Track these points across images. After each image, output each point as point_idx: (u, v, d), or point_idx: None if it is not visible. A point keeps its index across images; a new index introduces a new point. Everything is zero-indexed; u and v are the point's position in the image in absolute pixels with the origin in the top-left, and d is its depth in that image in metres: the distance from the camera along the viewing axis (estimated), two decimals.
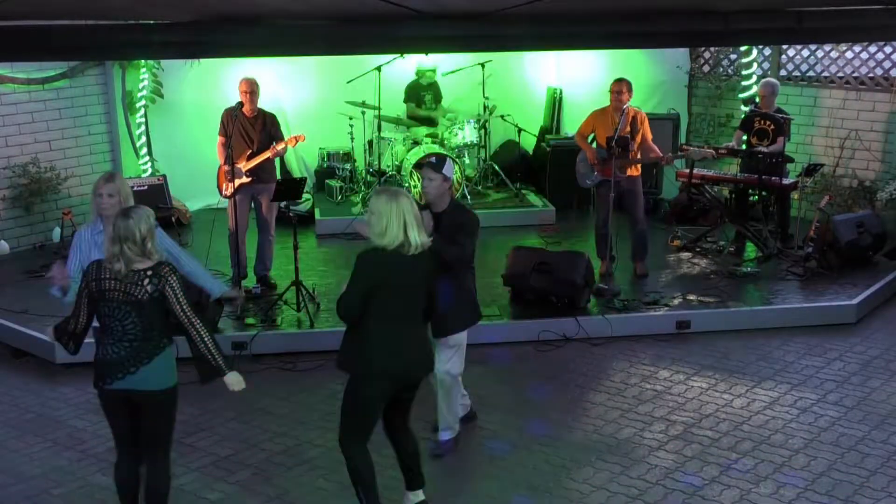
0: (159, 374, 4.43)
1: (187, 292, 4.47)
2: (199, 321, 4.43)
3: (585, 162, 8.28)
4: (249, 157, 7.77)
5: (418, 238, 4.50)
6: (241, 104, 7.78)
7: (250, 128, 7.80)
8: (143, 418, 4.54)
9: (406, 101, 10.97)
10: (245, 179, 7.76)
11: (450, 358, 5.43)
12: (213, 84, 10.27)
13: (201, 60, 9.86)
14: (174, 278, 4.39)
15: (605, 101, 8.34)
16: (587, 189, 8.87)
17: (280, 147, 7.88)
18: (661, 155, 8.25)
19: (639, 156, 8.06)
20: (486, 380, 6.66)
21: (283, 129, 8.16)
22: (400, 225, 4.44)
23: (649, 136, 8.15)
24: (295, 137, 8.27)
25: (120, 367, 4.40)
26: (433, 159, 5.55)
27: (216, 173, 8.04)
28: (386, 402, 4.67)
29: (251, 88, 7.77)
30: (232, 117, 7.73)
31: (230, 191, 7.68)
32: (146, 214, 4.42)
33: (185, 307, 4.39)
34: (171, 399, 4.53)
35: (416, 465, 4.95)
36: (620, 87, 8.02)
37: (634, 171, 8.13)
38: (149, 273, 4.35)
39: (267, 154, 7.80)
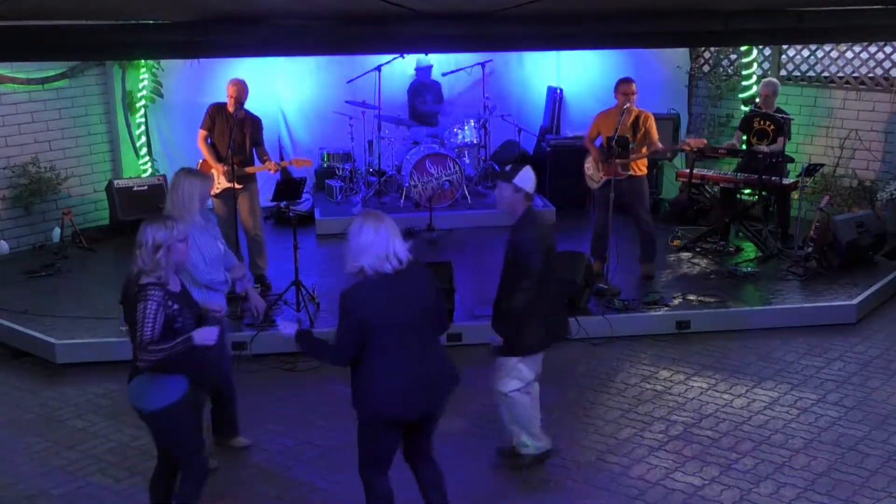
0: (143, 393, 4.33)
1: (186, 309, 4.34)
2: (145, 357, 4.17)
3: (591, 163, 8.29)
4: (242, 164, 7.75)
5: (399, 250, 4.21)
6: (224, 104, 7.80)
7: (235, 129, 7.72)
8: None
9: (406, 101, 10.97)
10: (237, 186, 7.73)
11: (501, 377, 5.29)
12: (212, 84, 10.24)
13: (201, 60, 9.87)
14: (143, 305, 4.16)
15: (606, 101, 8.34)
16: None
17: (282, 164, 8.13)
18: (661, 147, 8.21)
19: (643, 150, 8.03)
20: (485, 380, 6.65)
21: (282, 129, 8.16)
22: (379, 240, 4.16)
23: (655, 136, 8.12)
24: (301, 162, 8.37)
25: (130, 375, 4.39)
26: (508, 168, 5.23)
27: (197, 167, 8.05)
28: (399, 436, 4.41)
29: (237, 91, 7.72)
30: (217, 113, 7.76)
31: (220, 188, 7.71)
32: (169, 226, 4.29)
33: (140, 336, 4.16)
34: (159, 421, 4.37)
35: (437, 499, 4.60)
36: (626, 88, 8.01)
37: (638, 170, 8.12)
38: (136, 290, 4.24)
39: (264, 168, 7.84)
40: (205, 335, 4.34)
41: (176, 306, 4.28)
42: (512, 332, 5.12)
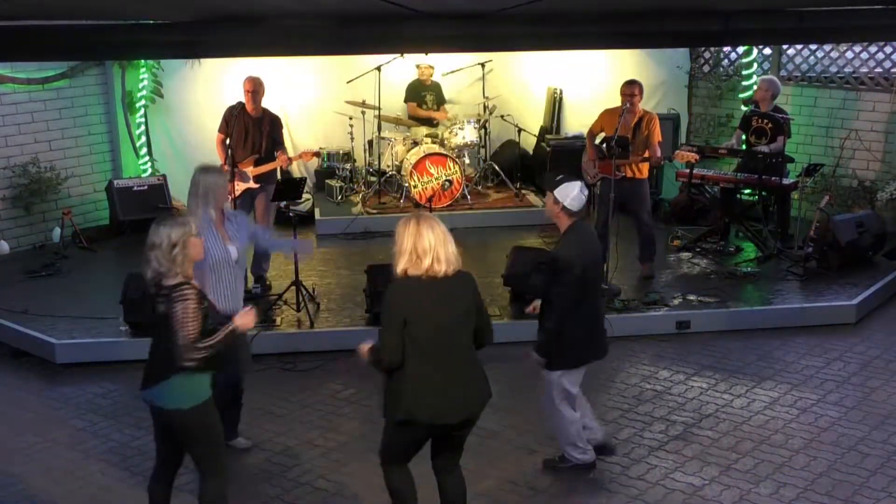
0: (174, 394, 4.25)
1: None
2: (193, 357, 4.14)
3: (587, 159, 8.30)
4: (257, 163, 7.77)
5: (448, 257, 4.20)
6: (241, 103, 7.78)
7: (254, 129, 7.78)
8: (174, 434, 4.40)
9: (406, 100, 10.97)
10: (253, 185, 7.76)
11: (546, 390, 5.27)
12: (212, 84, 10.28)
13: (202, 60, 9.87)
14: (181, 305, 4.13)
15: (606, 101, 8.34)
16: (592, 188, 8.86)
17: (293, 157, 8.09)
18: (658, 156, 8.18)
19: (646, 154, 8.02)
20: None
21: (283, 130, 8.18)
22: (423, 245, 4.15)
23: (657, 140, 8.11)
24: (312, 153, 8.38)
25: (148, 377, 4.33)
26: (559, 177, 5.10)
27: None
28: (425, 443, 4.42)
29: (254, 87, 7.76)
30: (234, 115, 7.73)
31: (235, 193, 7.71)
32: (183, 223, 4.25)
33: (182, 339, 4.12)
34: (190, 420, 4.30)
35: None
36: (632, 90, 8.00)
37: (639, 173, 8.11)
38: (164, 292, 4.18)
39: (277, 164, 7.84)
40: (246, 320, 4.37)
41: (206, 303, 4.29)
42: (550, 348, 5.10)
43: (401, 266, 4.19)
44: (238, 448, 5.69)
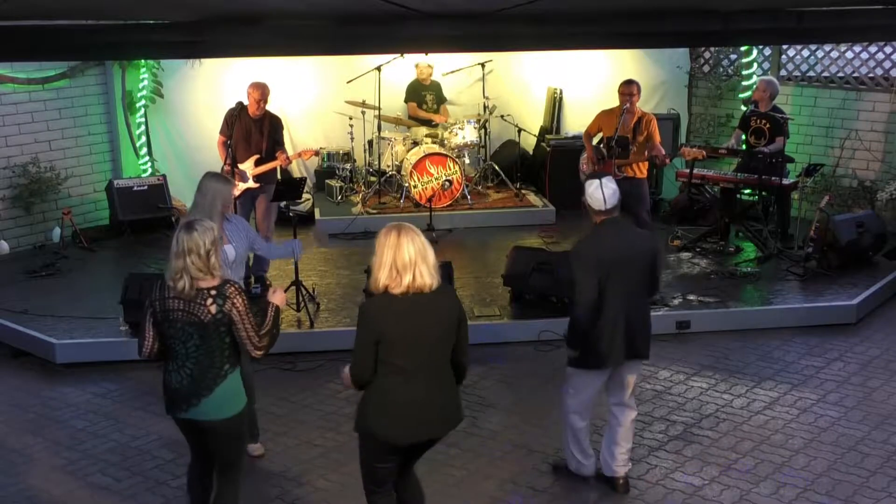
0: (222, 404, 4.19)
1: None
2: (263, 345, 4.17)
3: (586, 160, 8.29)
4: (257, 163, 7.78)
5: (430, 270, 4.04)
6: (240, 104, 7.78)
7: (254, 130, 7.78)
8: (209, 444, 4.34)
9: (406, 100, 10.97)
10: (253, 185, 7.77)
11: (565, 386, 5.23)
12: (212, 84, 10.28)
13: (202, 60, 9.87)
14: (240, 299, 4.12)
15: (606, 101, 8.33)
16: None
17: (293, 156, 8.06)
18: (661, 153, 8.19)
19: (645, 153, 8.02)
20: (486, 380, 6.67)
21: (283, 130, 8.18)
22: (403, 259, 3.99)
23: (657, 139, 8.12)
24: (312, 152, 8.38)
25: (185, 399, 4.19)
26: (587, 175, 5.08)
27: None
28: (397, 459, 4.23)
29: (262, 95, 7.73)
30: (234, 117, 7.74)
31: (236, 193, 7.70)
32: (210, 227, 4.19)
33: (250, 332, 4.15)
34: (236, 426, 4.28)
35: None
36: (630, 90, 8.00)
37: (639, 173, 8.11)
38: (212, 293, 4.10)
39: (276, 163, 7.84)
40: (280, 298, 4.39)
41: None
42: (574, 340, 5.03)
43: (381, 281, 4.00)
44: (253, 456, 5.61)
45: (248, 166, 7.78)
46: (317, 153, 9.10)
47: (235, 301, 4.12)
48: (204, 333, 4.13)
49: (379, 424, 4.07)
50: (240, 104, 7.81)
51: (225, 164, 7.70)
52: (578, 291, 4.91)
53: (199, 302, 4.10)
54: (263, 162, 7.84)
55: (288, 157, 8.04)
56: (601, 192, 4.96)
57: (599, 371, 5.10)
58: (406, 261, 3.99)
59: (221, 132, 7.86)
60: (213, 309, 4.09)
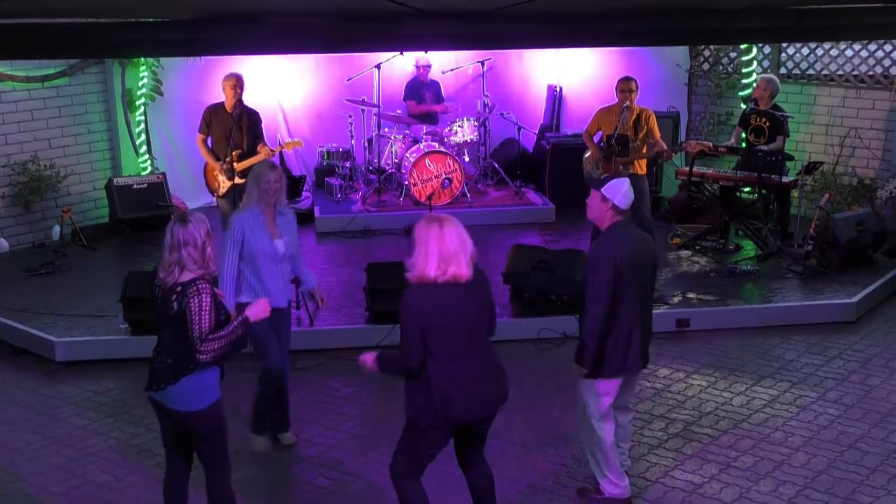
0: (187, 395, 4.24)
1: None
2: (208, 349, 4.17)
3: (590, 159, 8.28)
4: (240, 158, 7.76)
5: (469, 261, 4.19)
6: (219, 103, 7.80)
7: (233, 126, 7.74)
8: (187, 438, 4.41)
9: (406, 98, 10.97)
10: (238, 181, 7.74)
11: (581, 394, 4.95)
12: (212, 82, 10.23)
13: (201, 58, 9.87)
14: (197, 299, 4.13)
15: (606, 99, 8.33)
16: None
17: (275, 150, 8.01)
18: (664, 147, 8.19)
19: (644, 150, 8.02)
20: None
21: (280, 128, 8.17)
22: (449, 249, 4.14)
23: (658, 135, 8.12)
24: (292, 144, 8.36)
25: (157, 379, 4.28)
26: (604, 176, 4.88)
27: (203, 172, 8.06)
28: (447, 441, 4.34)
29: (238, 82, 7.75)
30: (212, 115, 7.77)
31: (225, 188, 7.70)
32: (202, 219, 4.27)
33: (195, 333, 4.13)
34: (205, 420, 4.30)
35: (489, 501, 4.58)
36: (628, 86, 8.00)
37: (640, 169, 8.11)
38: (178, 289, 4.17)
39: (260, 157, 7.81)
40: (258, 310, 4.39)
41: (217, 298, 4.30)
42: (586, 355, 4.79)
43: (427, 270, 4.10)
44: (284, 444, 5.73)
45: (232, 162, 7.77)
46: (296, 144, 8.93)
47: (192, 300, 4.15)
48: (170, 327, 4.23)
49: (450, 408, 4.15)
50: (218, 103, 7.83)
51: (225, 160, 7.71)
52: (591, 298, 4.70)
53: (170, 296, 4.20)
54: (246, 157, 7.82)
55: (271, 150, 8.03)
56: (631, 192, 4.81)
57: (619, 378, 4.90)
58: (451, 251, 4.15)
59: (201, 131, 7.88)
60: (175, 305, 4.18)
